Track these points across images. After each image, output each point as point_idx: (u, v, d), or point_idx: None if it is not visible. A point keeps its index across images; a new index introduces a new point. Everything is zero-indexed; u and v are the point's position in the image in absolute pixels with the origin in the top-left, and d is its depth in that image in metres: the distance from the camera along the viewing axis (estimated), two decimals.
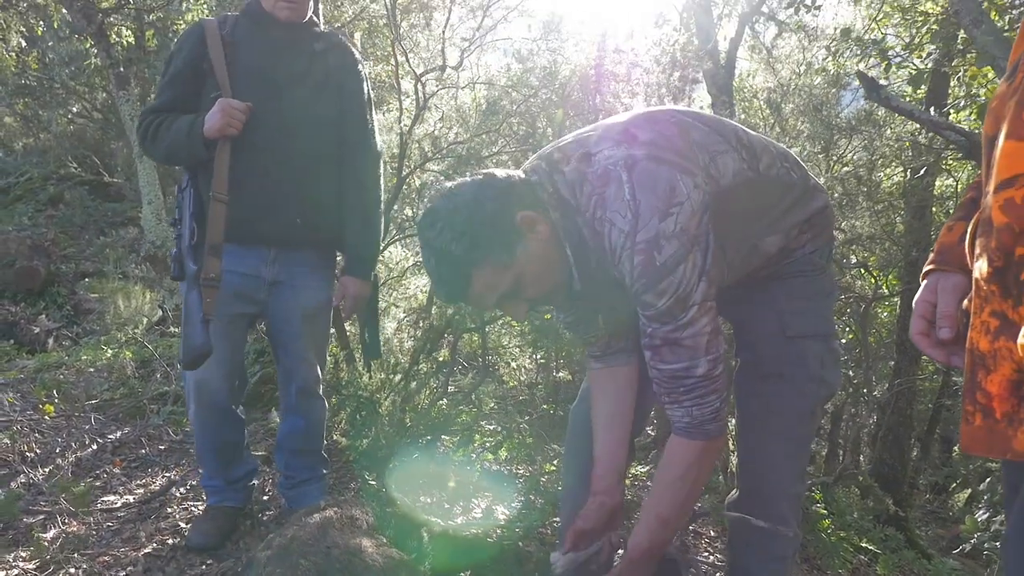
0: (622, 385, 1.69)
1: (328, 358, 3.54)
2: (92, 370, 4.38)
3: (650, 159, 1.31)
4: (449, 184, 1.43)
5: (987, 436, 0.85)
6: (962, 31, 3.70)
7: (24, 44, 8.20)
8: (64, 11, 6.66)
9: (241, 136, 2.06)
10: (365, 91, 2.31)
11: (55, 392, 3.78)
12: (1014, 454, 0.84)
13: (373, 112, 2.36)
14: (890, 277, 4.72)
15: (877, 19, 4.07)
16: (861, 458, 5.47)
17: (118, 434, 3.34)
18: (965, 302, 1.00)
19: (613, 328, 1.68)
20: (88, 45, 6.87)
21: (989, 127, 0.96)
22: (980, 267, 0.89)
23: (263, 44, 2.17)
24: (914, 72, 3.35)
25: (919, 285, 1.12)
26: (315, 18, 2.29)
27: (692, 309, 1.33)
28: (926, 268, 1.12)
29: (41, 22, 7.67)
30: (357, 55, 2.33)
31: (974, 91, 3.68)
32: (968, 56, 3.67)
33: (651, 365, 1.41)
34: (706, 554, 2.93)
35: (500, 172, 1.44)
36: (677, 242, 1.28)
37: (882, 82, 3.86)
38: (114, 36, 6.33)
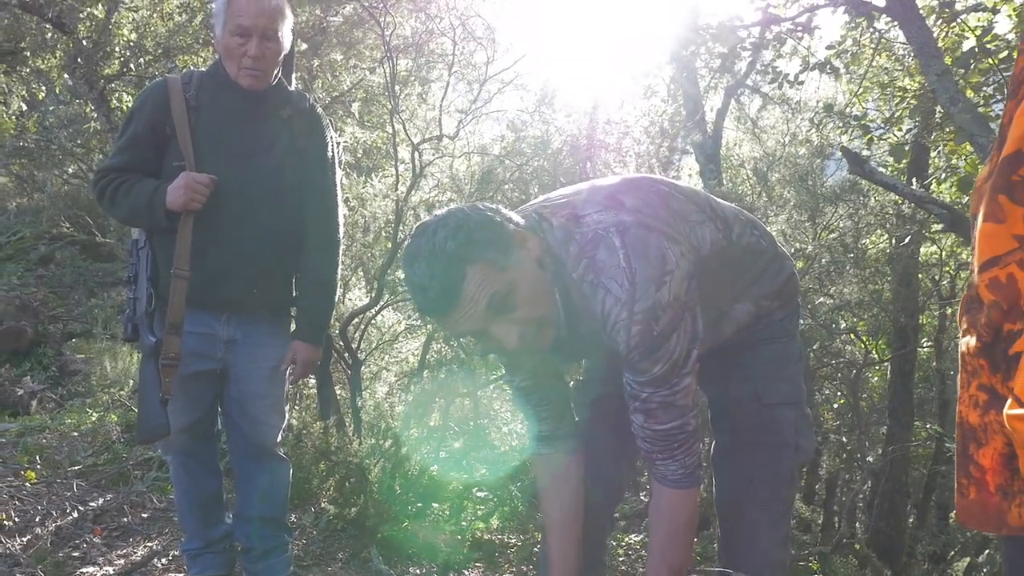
0: (573, 484, 1.66)
1: (317, 424, 3.51)
2: (76, 434, 4.30)
3: (639, 226, 1.34)
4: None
5: (982, 510, 0.86)
6: (939, 106, 3.85)
7: (24, 108, 8.33)
8: (66, 77, 6.80)
9: (203, 207, 2.03)
10: (330, 156, 2.26)
11: (37, 457, 3.70)
12: (1009, 529, 0.84)
13: (338, 177, 2.31)
14: (880, 343, 4.75)
15: (858, 94, 4.23)
16: (857, 525, 5.38)
17: (100, 501, 3.25)
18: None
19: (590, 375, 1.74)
20: (88, 109, 6.98)
21: (974, 207, 0.99)
22: (967, 342, 0.91)
23: (227, 111, 2.12)
24: (895, 144, 3.46)
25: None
26: (284, 80, 2.24)
27: (685, 375, 1.38)
28: None
29: (43, 87, 7.81)
30: (324, 119, 2.28)
31: (954, 163, 3.80)
32: (947, 130, 3.80)
33: (644, 427, 1.43)
34: None
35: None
36: (672, 311, 1.32)
37: (865, 153, 3.98)
38: (115, 101, 6.45)
